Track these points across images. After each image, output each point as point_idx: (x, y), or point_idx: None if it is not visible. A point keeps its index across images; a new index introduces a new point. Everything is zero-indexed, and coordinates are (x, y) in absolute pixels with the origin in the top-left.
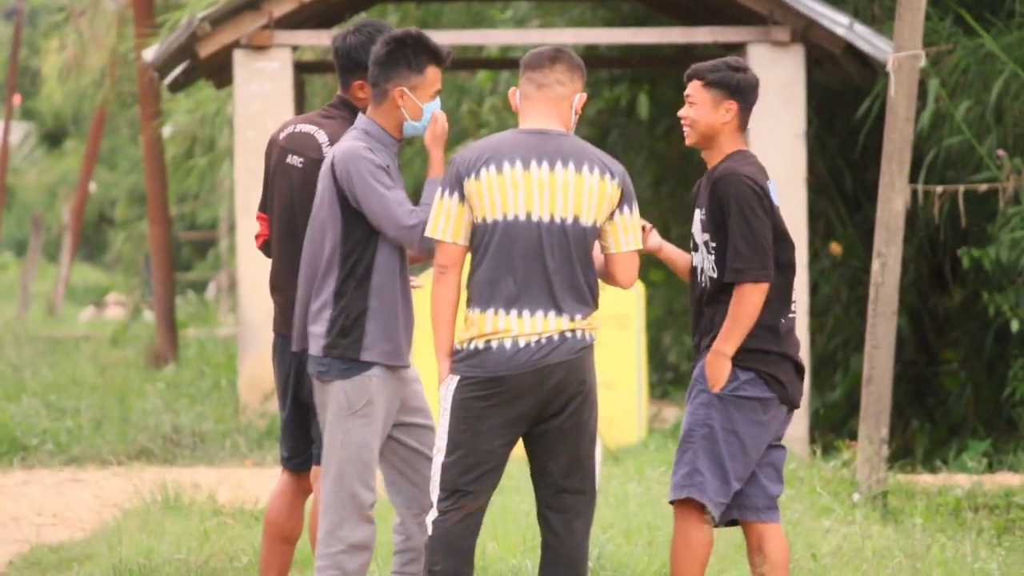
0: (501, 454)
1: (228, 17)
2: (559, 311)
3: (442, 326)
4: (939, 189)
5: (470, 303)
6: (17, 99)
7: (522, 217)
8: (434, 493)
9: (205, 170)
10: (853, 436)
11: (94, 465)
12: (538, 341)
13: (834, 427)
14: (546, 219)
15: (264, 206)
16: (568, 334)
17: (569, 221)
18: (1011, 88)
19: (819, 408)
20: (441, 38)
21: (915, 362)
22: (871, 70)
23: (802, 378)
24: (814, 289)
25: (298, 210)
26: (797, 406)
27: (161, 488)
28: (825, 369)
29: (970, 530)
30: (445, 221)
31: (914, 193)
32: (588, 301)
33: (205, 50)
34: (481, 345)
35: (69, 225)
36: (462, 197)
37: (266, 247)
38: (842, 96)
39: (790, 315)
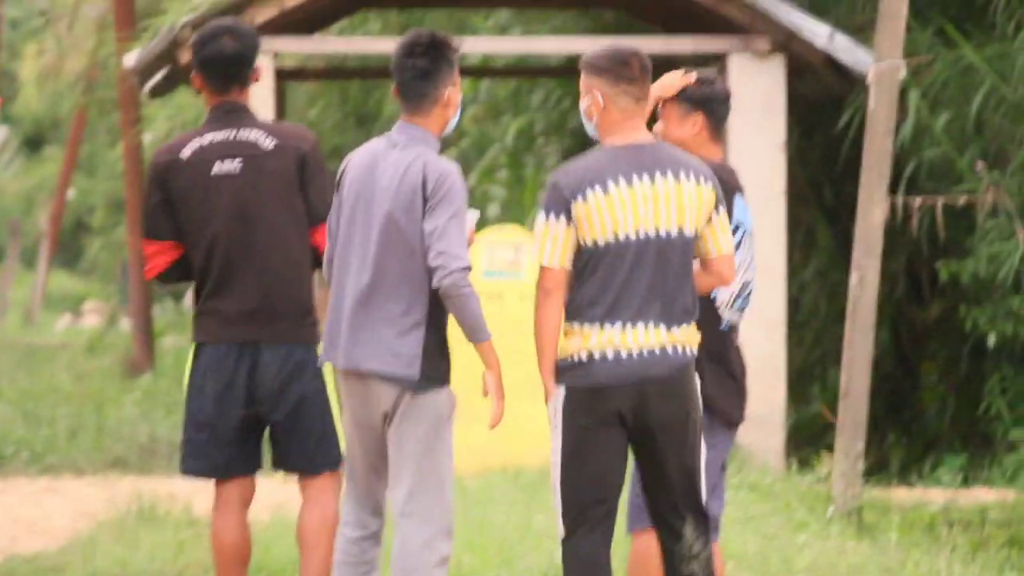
0: (615, 462)
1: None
2: (660, 324)
3: (549, 347)
4: (918, 201)
5: (573, 317)
6: None
7: (632, 235)
8: (557, 512)
9: None
10: (829, 450)
11: (70, 474)
12: (640, 353)
13: (810, 441)
14: (652, 233)
15: (160, 233)
16: (669, 348)
17: (674, 233)
18: (991, 100)
19: (796, 421)
20: None
21: (892, 376)
22: (851, 81)
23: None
24: (794, 302)
25: (253, 211)
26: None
27: (137, 498)
28: (803, 382)
29: (945, 546)
30: (552, 246)
31: (893, 205)
32: (690, 312)
33: (186, 56)
34: (585, 356)
35: (47, 232)
36: (569, 220)
37: (166, 275)
38: (822, 107)
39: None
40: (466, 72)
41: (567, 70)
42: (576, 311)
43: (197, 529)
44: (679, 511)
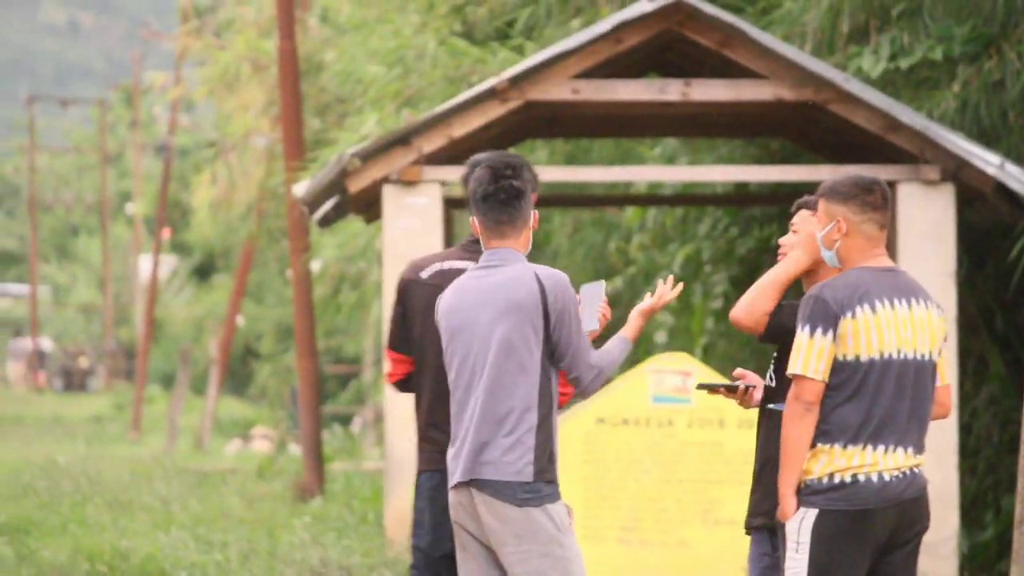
0: None
1: (378, 153)
2: (912, 447)
3: (798, 462)
4: None
5: (828, 438)
6: (166, 233)
7: (895, 355)
8: None
9: (353, 304)
10: None
11: None
12: (898, 476)
13: (984, 569)
14: (911, 356)
15: (398, 345)
16: (917, 469)
17: (927, 357)
18: None
19: (969, 549)
20: (590, 174)
21: None
22: (1022, 209)
23: None
24: (966, 429)
25: None
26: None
27: None
28: (976, 509)
29: None
30: (817, 359)
31: None
32: (925, 436)
33: (355, 185)
34: (848, 479)
35: (216, 358)
36: (835, 335)
37: (402, 384)
38: (993, 235)
39: None
40: (633, 200)
41: (734, 199)
42: (836, 431)
43: None
44: None
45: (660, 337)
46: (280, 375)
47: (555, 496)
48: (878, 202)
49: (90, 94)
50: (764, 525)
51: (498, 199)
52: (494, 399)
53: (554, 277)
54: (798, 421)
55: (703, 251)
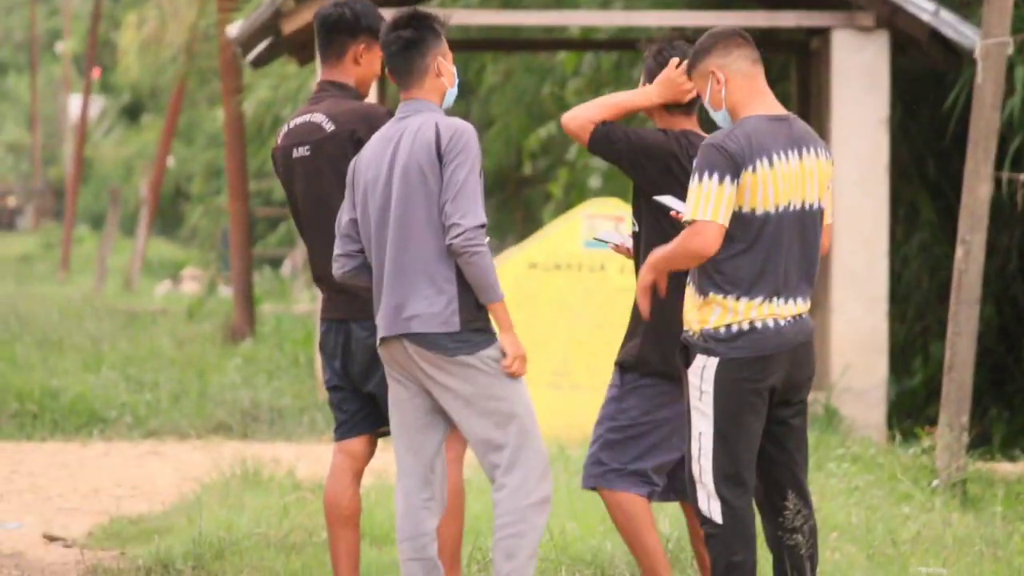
0: (759, 434)
1: None
2: (802, 295)
3: (669, 266)
4: (1023, 177)
5: (723, 289)
6: (96, 72)
7: (788, 207)
8: (708, 481)
9: None
10: (932, 423)
11: (173, 438)
12: (790, 321)
13: (912, 414)
14: (803, 206)
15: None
16: (805, 316)
17: (815, 206)
18: None
19: (898, 394)
20: (524, 19)
21: (995, 350)
22: (957, 56)
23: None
24: (896, 276)
25: (331, 196)
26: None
27: (240, 462)
28: (905, 355)
29: None
30: (717, 204)
31: (999, 181)
32: (814, 283)
33: (289, 26)
34: (747, 327)
35: (146, 199)
36: (737, 185)
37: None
38: (926, 82)
39: None
40: (568, 45)
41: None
42: (733, 284)
43: (300, 493)
44: (797, 481)
45: (595, 182)
46: (211, 216)
47: (487, 343)
48: (737, 40)
49: None
50: (619, 361)
51: (392, 50)
52: (406, 250)
53: (454, 125)
54: (689, 259)
55: None
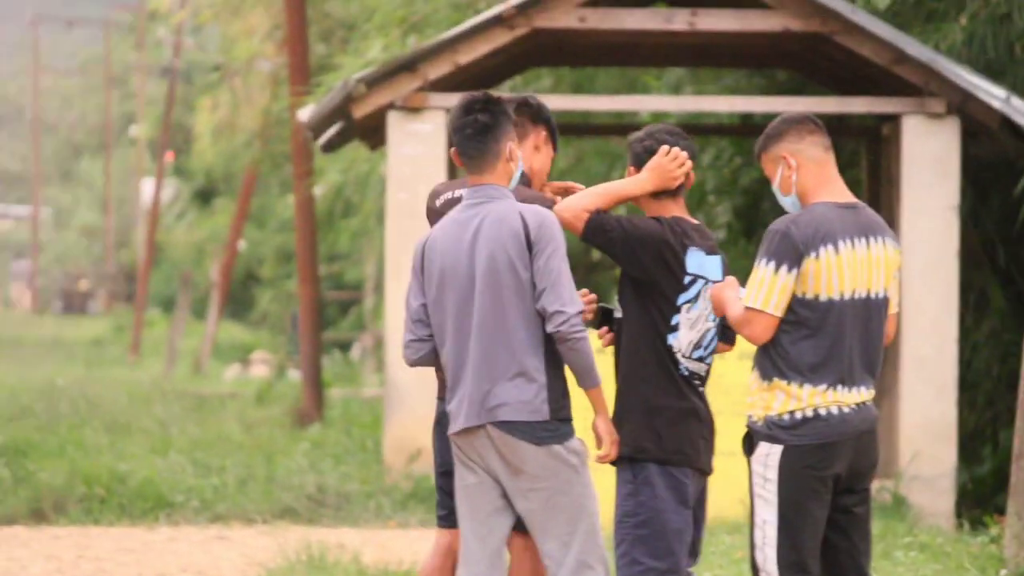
0: (823, 522)
1: (383, 79)
2: (866, 383)
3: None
4: None
5: (787, 375)
6: (169, 156)
7: (853, 295)
8: (772, 570)
9: (354, 230)
10: (1001, 512)
11: (239, 523)
12: (854, 409)
13: (981, 502)
14: (868, 295)
15: None
16: (869, 403)
17: (883, 295)
18: None
19: (966, 482)
20: (595, 103)
21: None
22: None
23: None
24: (966, 363)
25: None
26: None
27: (306, 547)
28: (974, 443)
29: None
30: (780, 295)
31: None
32: (879, 371)
33: (359, 111)
34: (811, 414)
35: (217, 282)
36: (798, 273)
37: None
38: (997, 169)
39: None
40: (637, 130)
41: (739, 129)
42: (797, 371)
43: None
44: (860, 570)
45: None
46: (281, 300)
47: (571, 433)
48: (810, 127)
49: (96, 15)
50: (625, 455)
51: (465, 134)
52: (494, 339)
53: (540, 213)
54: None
55: (707, 181)
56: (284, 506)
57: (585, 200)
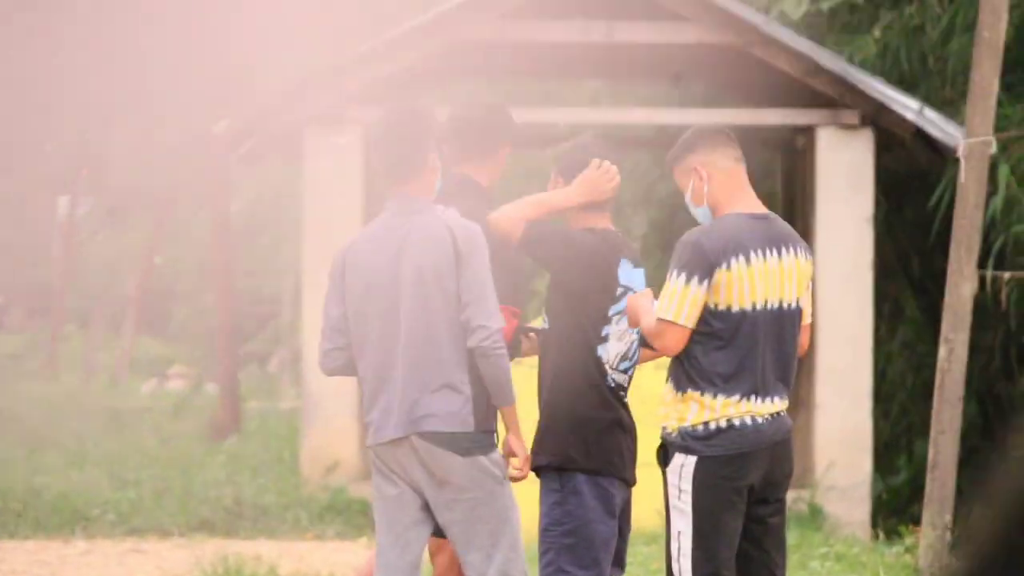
0: (738, 532)
1: (301, 92)
2: (780, 393)
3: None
4: (1007, 276)
5: (700, 386)
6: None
7: (766, 306)
8: None
9: (270, 245)
10: (916, 521)
11: (155, 536)
12: (768, 419)
13: (896, 512)
14: (781, 306)
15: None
16: (783, 413)
17: (795, 305)
18: None
19: (882, 492)
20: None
21: (979, 449)
22: (940, 155)
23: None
24: (880, 374)
25: None
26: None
27: (222, 560)
28: (889, 453)
29: None
30: (690, 307)
31: (982, 279)
32: (792, 381)
33: (275, 125)
34: (724, 424)
35: (133, 297)
36: (710, 284)
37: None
38: (911, 180)
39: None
40: (556, 141)
41: (655, 141)
42: (710, 383)
43: None
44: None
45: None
46: (198, 315)
47: (495, 445)
48: (722, 138)
49: None
50: (553, 465)
51: (388, 143)
52: (422, 351)
53: (467, 225)
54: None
55: (623, 193)
56: (201, 519)
57: (520, 210)
